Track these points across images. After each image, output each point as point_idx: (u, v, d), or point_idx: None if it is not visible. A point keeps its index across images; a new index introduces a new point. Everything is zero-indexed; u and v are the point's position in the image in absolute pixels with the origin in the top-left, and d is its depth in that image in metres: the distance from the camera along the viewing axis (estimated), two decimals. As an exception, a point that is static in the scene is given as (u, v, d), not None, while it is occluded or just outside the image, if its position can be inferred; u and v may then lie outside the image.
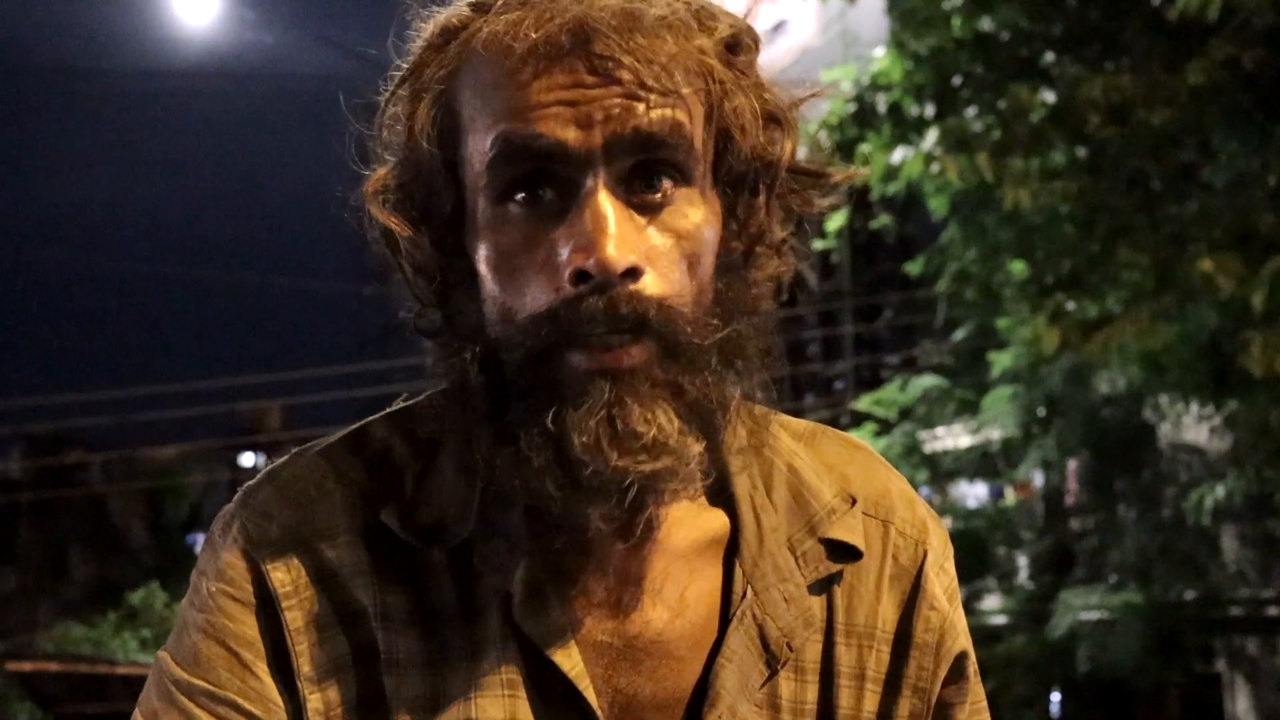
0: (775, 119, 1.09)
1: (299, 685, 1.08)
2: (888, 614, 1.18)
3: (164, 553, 32.63)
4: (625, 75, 1.00)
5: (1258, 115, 8.70)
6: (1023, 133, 8.96)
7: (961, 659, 1.20)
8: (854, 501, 1.19)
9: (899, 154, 9.38)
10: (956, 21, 9.27)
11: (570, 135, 1.00)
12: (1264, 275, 7.76)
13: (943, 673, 1.19)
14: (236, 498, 1.15)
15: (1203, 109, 8.68)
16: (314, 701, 1.08)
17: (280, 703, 1.08)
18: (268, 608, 1.09)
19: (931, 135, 9.27)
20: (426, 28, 1.09)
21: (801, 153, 1.13)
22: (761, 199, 1.10)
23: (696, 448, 1.01)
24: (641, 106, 1.00)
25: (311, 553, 1.10)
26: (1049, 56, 9.73)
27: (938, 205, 10.52)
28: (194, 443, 35.51)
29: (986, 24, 9.46)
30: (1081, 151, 9.27)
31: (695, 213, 1.04)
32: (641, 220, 1.02)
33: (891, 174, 9.46)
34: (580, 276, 0.99)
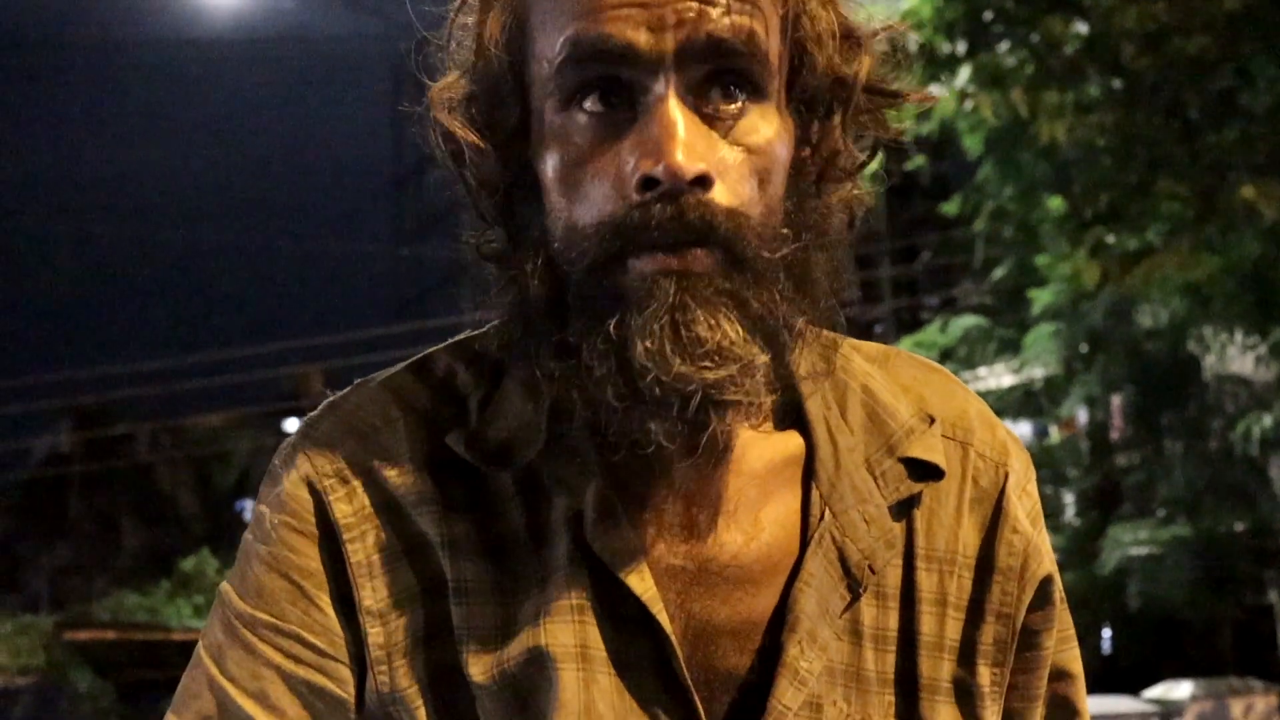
0: (852, 36, 1.07)
1: (360, 619, 1.06)
2: (969, 538, 1.14)
3: (213, 520, 32.99)
4: None
5: (1297, 38, 8.56)
6: (1057, 66, 8.86)
7: (1047, 583, 1.16)
8: (932, 421, 1.15)
9: (931, 92, 9.28)
10: (987, -44, 9.16)
11: (641, 38, 0.97)
12: (1307, 200, 7.66)
13: (1028, 598, 1.15)
14: (298, 429, 1.14)
15: (1239, 34, 8.55)
16: (375, 635, 1.06)
17: (345, 635, 1.07)
18: (330, 539, 1.07)
19: (964, 72, 9.17)
20: None
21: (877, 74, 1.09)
22: (836, 119, 1.07)
23: (763, 358, 0.98)
24: (716, 11, 0.98)
25: (375, 483, 1.08)
26: (1081, -13, 9.60)
27: (972, 143, 10.41)
28: (239, 410, 35.78)
29: (1017, -43, 9.34)
30: (1117, 83, 9.16)
31: (768, 127, 1.02)
32: (713, 131, 0.99)
33: (925, 113, 9.36)
34: (648, 183, 0.97)
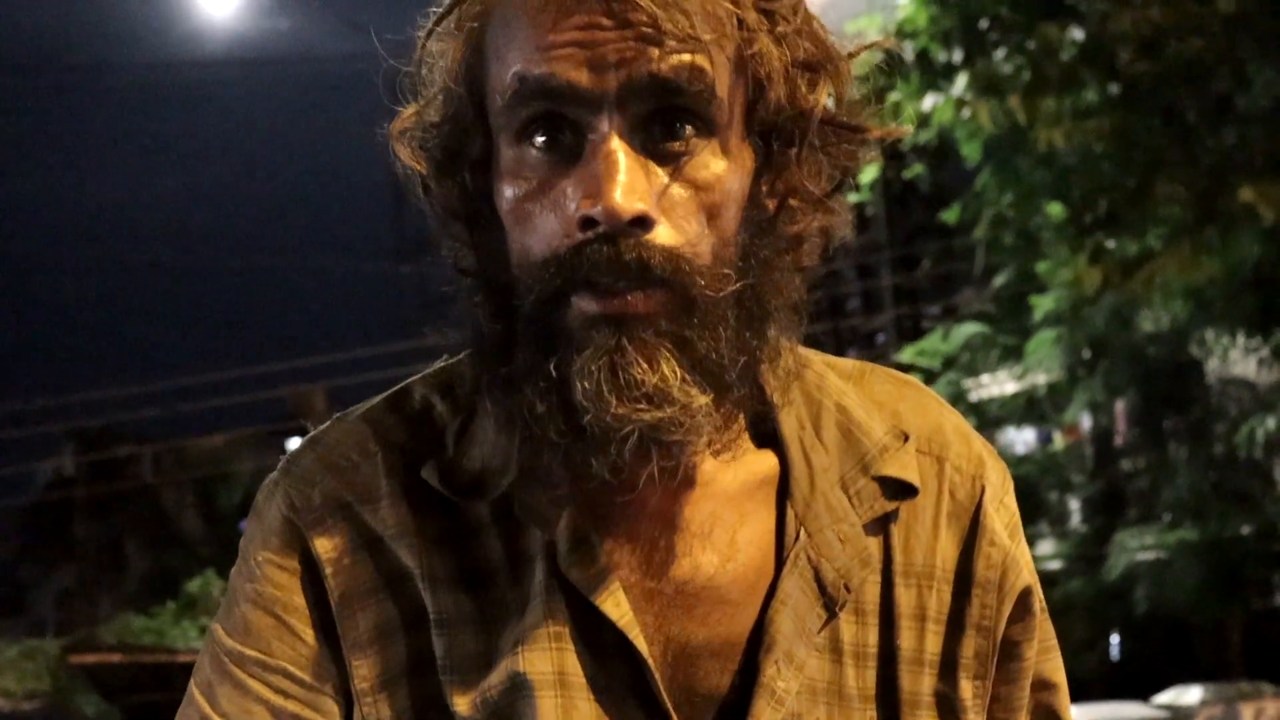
0: (811, 68, 1.06)
1: (344, 652, 1.08)
2: (947, 553, 1.14)
3: (218, 541, 33.00)
4: (642, 18, 0.98)
5: (1292, 40, 8.58)
6: (1053, 72, 8.88)
7: (1026, 595, 1.17)
8: (906, 438, 1.16)
9: (929, 101, 9.29)
10: (980, -37, 9.18)
11: (583, 77, 0.98)
12: (1307, 202, 7.67)
13: (1007, 610, 1.15)
14: (280, 465, 1.15)
15: (1235, 37, 8.57)
16: (359, 668, 1.07)
17: (331, 669, 1.08)
18: (313, 574, 1.09)
19: (961, 80, 9.19)
20: None
21: (848, 105, 1.09)
22: (794, 151, 1.07)
23: (702, 400, 0.99)
24: (658, 51, 0.98)
25: (354, 518, 1.09)
26: (1076, -7, 9.62)
27: (970, 151, 10.42)
28: (242, 430, 35.84)
29: (1011, -36, 9.36)
30: (1114, 88, 9.18)
31: (717, 163, 1.02)
32: (658, 169, 1.00)
33: (922, 122, 9.38)
34: (587, 223, 0.98)
